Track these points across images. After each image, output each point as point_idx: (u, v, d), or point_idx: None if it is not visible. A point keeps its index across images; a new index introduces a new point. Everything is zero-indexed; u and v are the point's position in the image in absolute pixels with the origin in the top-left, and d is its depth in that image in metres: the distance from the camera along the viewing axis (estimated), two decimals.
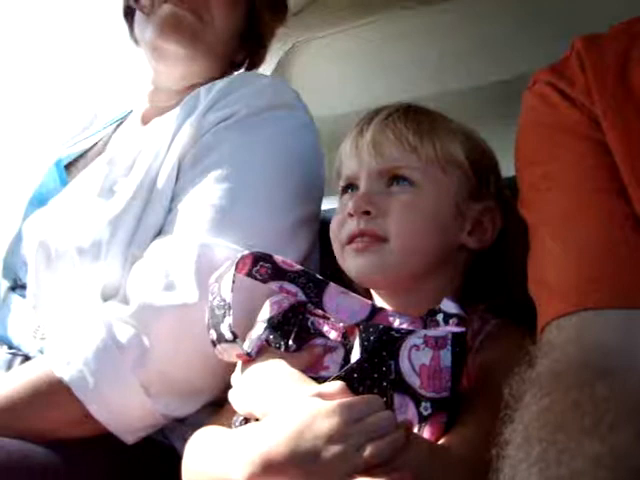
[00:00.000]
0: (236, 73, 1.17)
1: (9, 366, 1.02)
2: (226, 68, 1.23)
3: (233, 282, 0.82)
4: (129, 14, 1.24)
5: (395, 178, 0.88)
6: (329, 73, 1.63)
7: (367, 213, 0.87)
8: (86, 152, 1.25)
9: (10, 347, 1.05)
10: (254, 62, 1.29)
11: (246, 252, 0.87)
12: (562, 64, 0.83)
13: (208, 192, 1.00)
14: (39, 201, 1.15)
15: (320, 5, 1.53)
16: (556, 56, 0.85)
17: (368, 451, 0.64)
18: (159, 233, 1.01)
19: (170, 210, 1.02)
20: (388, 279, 0.88)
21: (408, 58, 1.60)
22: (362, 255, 0.86)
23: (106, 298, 0.98)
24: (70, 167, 1.21)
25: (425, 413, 0.71)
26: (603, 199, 0.72)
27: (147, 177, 1.03)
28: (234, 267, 0.84)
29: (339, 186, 0.95)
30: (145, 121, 1.20)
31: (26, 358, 1.02)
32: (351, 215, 0.87)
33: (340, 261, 0.90)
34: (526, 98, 0.85)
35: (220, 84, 1.09)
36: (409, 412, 0.72)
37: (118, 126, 1.29)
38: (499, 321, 0.86)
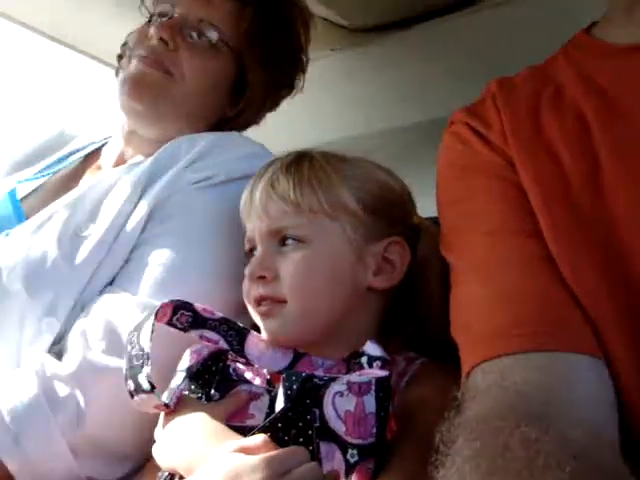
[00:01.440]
0: (222, 133, 1.13)
1: None
2: (212, 124, 1.18)
3: (152, 332, 0.80)
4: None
5: (285, 238, 0.87)
6: None
7: (263, 277, 0.86)
8: (46, 181, 1.20)
9: None
10: (244, 121, 1.23)
11: (166, 300, 0.85)
12: (478, 105, 0.85)
13: (165, 252, 0.98)
14: None
15: None
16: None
17: None
18: (111, 282, 0.99)
19: (127, 260, 1.00)
20: (296, 338, 0.86)
21: (334, 100, 1.62)
22: (267, 319, 0.86)
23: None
24: (26, 196, 1.17)
25: (352, 460, 0.70)
26: (521, 242, 0.73)
27: (114, 224, 1.00)
28: (154, 316, 0.82)
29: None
30: (118, 162, 1.17)
31: None
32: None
33: (256, 322, 0.89)
34: (444, 138, 0.86)
35: (203, 142, 1.07)
36: (335, 460, 0.70)
37: (85, 158, 1.24)
38: (424, 360, 0.86)
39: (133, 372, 0.80)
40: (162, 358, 0.81)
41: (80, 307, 0.97)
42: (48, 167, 1.25)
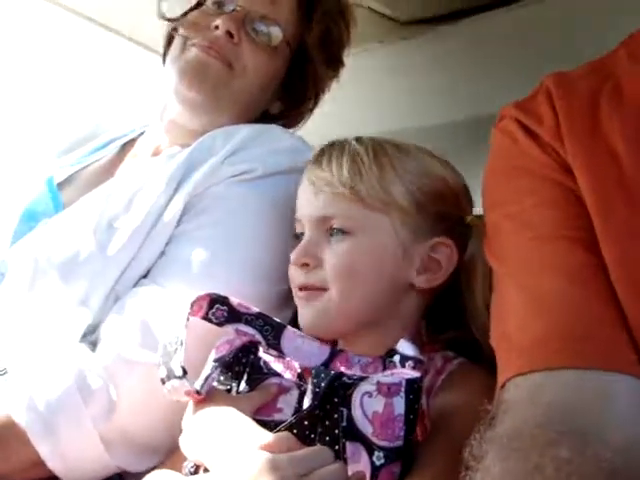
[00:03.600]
0: (260, 125, 1.11)
1: None
2: (255, 118, 1.16)
3: (187, 319, 0.81)
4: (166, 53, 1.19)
5: (332, 228, 0.87)
6: None
7: (306, 265, 0.86)
8: (84, 169, 1.21)
9: None
10: (290, 118, 1.22)
11: (202, 293, 0.85)
12: (529, 101, 0.80)
13: (201, 247, 0.97)
14: (30, 218, 1.11)
15: None
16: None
17: None
18: (145, 275, 0.99)
19: (162, 253, 0.99)
20: (331, 328, 0.86)
21: (382, 93, 1.59)
22: (307, 305, 0.87)
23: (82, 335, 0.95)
24: (64, 184, 1.17)
25: (378, 463, 0.69)
26: (569, 249, 0.69)
27: (149, 216, 0.99)
28: (189, 306, 0.82)
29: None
30: (154, 153, 1.16)
31: None
32: None
33: (298, 307, 0.89)
34: (492, 135, 0.82)
35: (241, 134, 1.05)
36: (362, 461, 0.69)
37: (122, 147, 1.24)
38: (462, 360, 0.84)
39: (166, 359, 0.80)
40: (195, 350, 0.80)
41: (114, 298, 0.97)
42: (85, 155, 1.25)
